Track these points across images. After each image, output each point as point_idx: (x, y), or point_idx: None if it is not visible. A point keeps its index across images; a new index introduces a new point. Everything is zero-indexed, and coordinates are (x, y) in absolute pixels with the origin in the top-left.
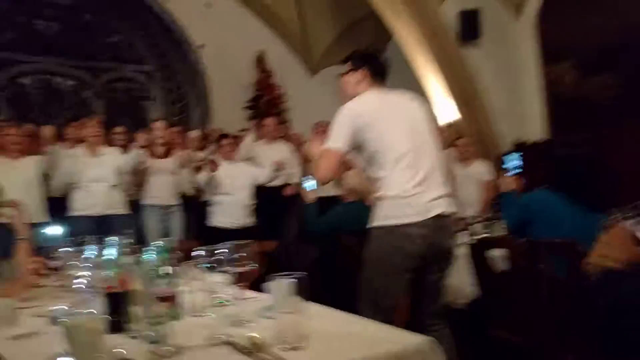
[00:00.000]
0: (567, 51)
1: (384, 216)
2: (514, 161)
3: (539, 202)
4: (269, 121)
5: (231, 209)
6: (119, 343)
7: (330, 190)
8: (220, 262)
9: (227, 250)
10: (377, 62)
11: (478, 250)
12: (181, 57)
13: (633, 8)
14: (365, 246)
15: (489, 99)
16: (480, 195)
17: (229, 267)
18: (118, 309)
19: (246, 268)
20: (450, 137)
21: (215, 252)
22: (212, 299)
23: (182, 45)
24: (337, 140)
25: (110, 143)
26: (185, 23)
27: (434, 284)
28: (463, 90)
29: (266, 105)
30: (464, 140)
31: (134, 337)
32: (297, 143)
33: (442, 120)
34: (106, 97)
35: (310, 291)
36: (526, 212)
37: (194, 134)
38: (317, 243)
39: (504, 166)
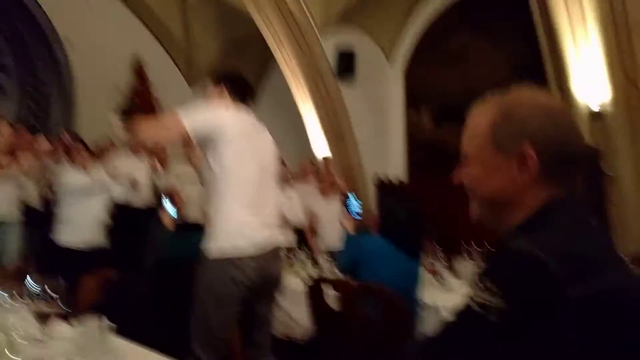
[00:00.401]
0: (427, 100)
1: (219, 247)
2: (353, 206)
3: (369, 246)
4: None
5: (81, 226)
6: None
7: (192, 217)
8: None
9: (32, 286)
10: (237, 82)
11: (315, 287)
12: (44, 49)
13: (476, 75)
14: (199, 278)
15: (358, 137)
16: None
17: (33, 305)
18: None
19: (52, 309)
20: (320, 171)
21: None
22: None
23: (46, 36)
24: (192, 118)
25: None
26: (50, 11)
27: (261, 314)
28: (336, 125)
29: (140, 113)
30: (330, 175)
31: None
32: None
33: (316, 152)
34: None
35: (143, 326)
36: (358, 254)
37: (46, 145)
38: (171, 271)
39: (347, 209)
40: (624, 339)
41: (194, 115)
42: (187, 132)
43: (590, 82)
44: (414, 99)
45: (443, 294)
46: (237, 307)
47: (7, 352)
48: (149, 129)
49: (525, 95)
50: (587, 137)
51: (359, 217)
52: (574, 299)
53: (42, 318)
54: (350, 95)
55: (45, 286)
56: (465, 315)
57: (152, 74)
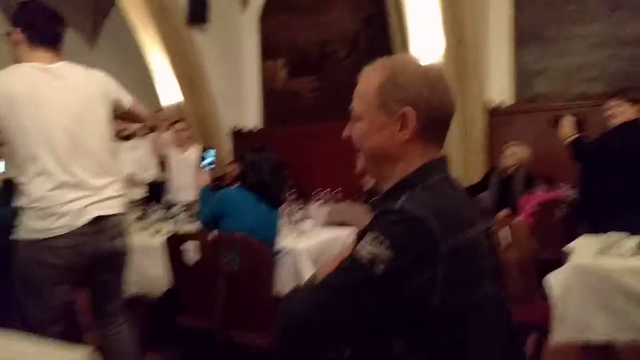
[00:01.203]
0: (281, 50)
1: (24, 228)
2: (209, 157)
3: (230, 198)
4: None
5: None
6: None
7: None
8: None
9: None
10: (39, 28)
11: (172, 243)
12: None
13: (327, 28)
14: (13, 261)
15: (213, 85)
16: (194, 181)
17: None
18: None
19: None
20: (170, 119)
21: None
22: None
23: None
24: None
25: None
26: None
27: (105, 284)
28: (188, 72)
29: None
30: (181, 125)
31: None
32: None
33: (164, 101)
34: None
35: None
36: (219, 206)
37: None
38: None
39: (202, 162)
40: (475, 280)
41: None
42: None
43: (425, 38)
44: (269, 49)
45: (300, 239)
46: (56, 288)
47: None
48: None
49: (408, 62)
50: None
51: (211, 168)
52: (443, 254)
53: None
54: (203, 41)
55: None
56: (351, 265)
57: None
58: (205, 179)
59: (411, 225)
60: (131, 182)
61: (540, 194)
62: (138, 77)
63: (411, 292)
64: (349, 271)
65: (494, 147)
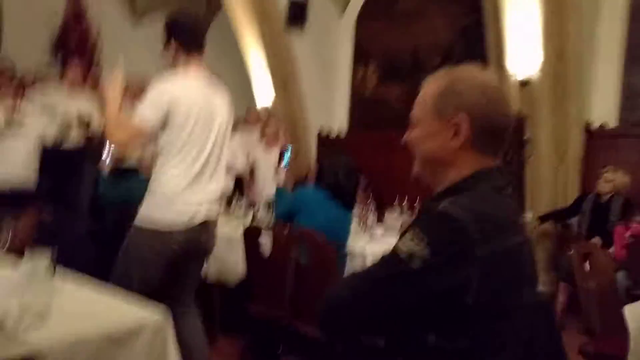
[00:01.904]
0: (374, 56)
1: (149, 217)
2: (287, 158)
3: (305, 196)
4: (74, 67)
5: (6, 165)
6: None
7: (130, 162)
8: None
9: None
10: (188, 32)
11: (249, 235)
12: None
13: (422, 36)
14: (128, 236)
15: (304, 87)
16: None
17: None
18: None
19: None
20: (262, 118)
21: None
22: None
23: None
24: (146, 115)
25: None
26: None
27: (187, 276)
28: (282, 74)
29: (75, 45)
30: (273, 124)
31: None
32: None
33: (261, 101)
34: None
35: (81, 263)
36: (295, 204)
37: None
38: (109, 213)
39: (282, 162)
40: (511, 287)
41: (147, 108)
42: (150, 130)
43: (523, 51)
44: (361, 55)
45: (371, 243)
46: (158, 273)
47: None
48: (117, 136)
49: (467, 72)
50: (516, 102)
51: (286, 168)
52: (479, 257)
53: None
54: (299, 45)
55: None
56: (391, 258)
57: (90, 1)
58: (282, 178)
59: (450, 226)
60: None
61: (638, 225)
62: (238, 77)
63: (444, 290)
64: (388, 264)
65: (591, 171)
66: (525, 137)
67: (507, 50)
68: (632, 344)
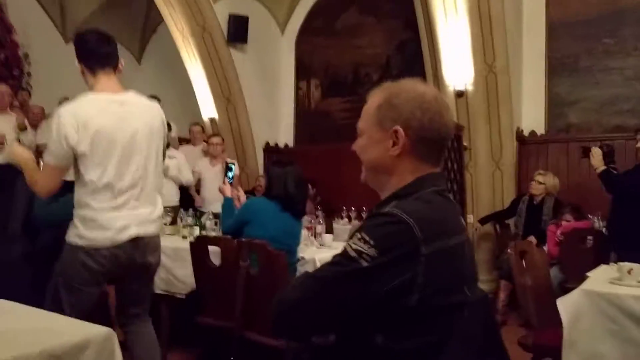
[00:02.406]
0: (316, 71)
1: (75, 234)
2: (232, 171)
3: (255, 207)
4: (1, 87)
5: None
6: None
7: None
8: None
9: None
10: (90, 51)
11: (198, 246)
12: None
13: (362, 51)
14: (56, 256)
15: (249, 102)
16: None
17: None
18: None
19: None
20: (206, 133)
21: None
22: None
23: None
24: (51, 154)
25: None
26: None
27: (133, 292)
28: (225, 89)
29: (0, 66)
30: (216, 139)
31: None
32: (37, 117)
33: (204, 116)
34: None
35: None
36: (244, 214)
37: None
38: (44, 233)
39: (227, 175)
40: (453, 284)
41: (51, 152)
42: (59, 167)
43: (456, 64)
44: (304, 70)
45: (319, 250)
46: (88, 291)
47: None
48: (41, 185)
49: (406, 86)
50: (453, 113)
51: (230, 181)
52: (424, 255)
53: None
54: (241, 60)
55: None
56: (340, 258)
57: (17, 22)
58: (227, 192)
59: (395, 227)
60: (164, 175)
61: (568, 224)
62: (180, 92)
63: (392, 288)
64: (337, 263)
65: (524, 174)
66: (463, 145)
67: (442, 64)
68: (565, 333)
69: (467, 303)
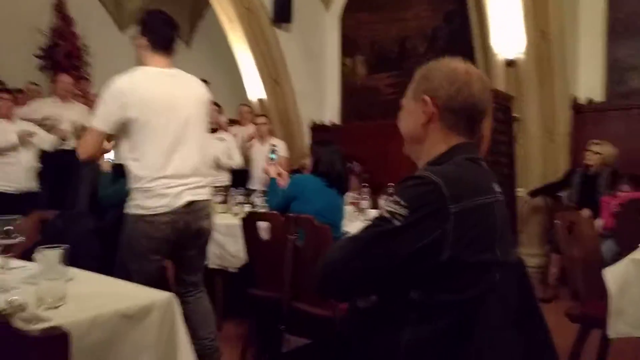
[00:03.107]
0: (361, 47)
1: (135, 205)
2: (275, 152)
3: (301, 183)
4: (64, 77)
5: (12, 172)
6: None
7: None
8: None
9: None
10: (157, 30)
11: (248, 222)
12: None
13: (408, 24)
14: (121, 230)
15: (294, 81)
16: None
17: None
18: None
19: (14, 241)
20: (253, 114)
21: None
22: None
23: None
24: (100, 119)
25: None
26: None
27: (190, 259)
28: (271, 69)
29: (63, 57)
30: (262, 119)
31: None
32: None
33: (251, 97)
34: None
35: (87, 259)
36: (292, 190)
37: None
38: (108, 212)
39: (271, 155)
40: (482, 242)
41: (100, 116)
42: (104, 134)
43: (506, 32)
44: (349, 46)
45: (362, 224)
46: (153, 258)
47: None
48: (82, 148)
49: (441, 62)
50: (502, 82)
51: (273, 160)
52: (452, 213)
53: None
54: (287, 40)
55: (1, 226)
56: (375, 220)
57: (76, 14)
58: (272, 172)
59: (424, 187)
60: (217, 165)
61: (625, 194)
62: (228, 74)
63: (424, 245)
64: (373, 226)
65: (579, 145)
66: (513, 116)
67: (491, 32)
68: (613, 303)
69: (498, 263)
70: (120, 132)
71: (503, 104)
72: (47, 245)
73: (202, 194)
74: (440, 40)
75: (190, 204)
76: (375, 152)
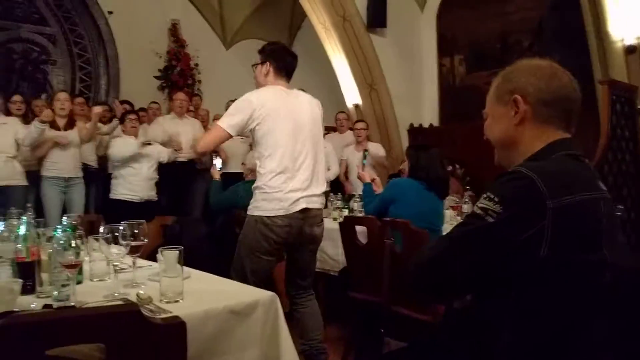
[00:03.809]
0: (459, 46)
1: (255, 207)
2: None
3: (400, 187)
4: (180, 95)
5: (135, 182)
6: (30, 301)
7: (237, 169)
8: (117, 237)
9: (124, 228)
10: (282, 58)
11: (346, 226)
12: (88, 20)
13: (511, 19)
14: (242, 229)
15: (391, 85)
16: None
17: (126, 241)
18: (28, 275)
19: (140, 242)
20: (351, 119)
21: (115, 228)
22: (110, 267)
23: (89, 8)
24: (229, 121)
25: (8, 112)
26: None
27: (302, 263)
28: (367, 75)
29: (178, 76)
30: (360, 124)
31: (43, 297)
32: (206, 119)
33: (348, 103)
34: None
35: (200, 260)
36: (391, 192)
37: (98, 109)
38: (219, 217)
39: (363, 161)
40: (587, 241)
41: (227, 119)
42: (229, 135)
43: (625, 15)
44: (446, 46)
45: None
46: (268, 258)
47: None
48: (203, 141)
49: (524, 62)
50: (623, 72)
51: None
52: (550, 209)
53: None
54: (382, 45)
55: (130, 230)
56: (468, 217)
57: (188, 37)
58: (366, 177)
59: (519, 182)
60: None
61: None
62: (326, 82)
63: (520, 242)
64: (466, 222)
65: None
66: (637, 108)
67: (608, 17)
68: None
69: (607, 265)
70: (251, 140)
71: (624, 96)
72: (167, 247)
73: (316, 203)
74: (547, 32)
75: (305, 210)
76: (477, 153)
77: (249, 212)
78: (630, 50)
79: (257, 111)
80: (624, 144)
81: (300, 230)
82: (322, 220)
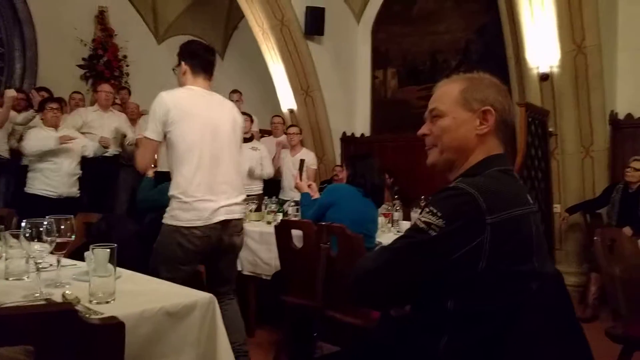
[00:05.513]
0: (392, 60)
1: (171, 216)
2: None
3: (339, 191)
4: (106, 87)
5: (54, 178)
6: None
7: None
8: (40, 233)
9: (49, 223)
10: (196, 55)
11: (282, 229)
12: (4, 2)
13: (441, 40)
14: (157, 238)
15: (326, 93)
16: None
17: (48, 238)
18: None
19: (66, 239)
20: (285, 124)
21: (38, 223)
22: (29, 265)
23: None
24: (151, 128)
25: None
26: None
27: (220, 271)
28: (303, 81)
29: (104, 67)
30: (293, 129)
31: None
32: (134, 114)
33: (283, 108)
34: None
35: (129, 259)
36: (328, 197)
37: (12, 92)
38: (147, 215)
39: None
40: (520, 253)
41: (150, 127)
42: (156, 143)
43: (541, 45)
44: (380, 59)
45: (396, 236)
46: (183, 268)
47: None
48: (139, 160)
49: (481, 74)
50: (537, 96)
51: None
52: (489, 224)
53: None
54: (319, 52)
55: (56, 225)
56: (410, 230)
57: (117, 26)
58: (303, 187)
59: (460, 199)
60: (250, 176)
61: None
62: (260, 85)
63: (460, 256)
64: (408, 235)
65: (618, 162)
66: (549, 131)
67: (526, 45)
68: None
69: (537, 274)
70: (166, 143)
71: (538, 119)
72: (97, 245)
73: (237, 212)
74: (473, 54)
75: (225, 221)
76: (406, 164)
77: (164, 221)
78: (543, 77)
79: (169, 112)
80: (537, 162)
81: (219, 239)
82: (242, 229)
